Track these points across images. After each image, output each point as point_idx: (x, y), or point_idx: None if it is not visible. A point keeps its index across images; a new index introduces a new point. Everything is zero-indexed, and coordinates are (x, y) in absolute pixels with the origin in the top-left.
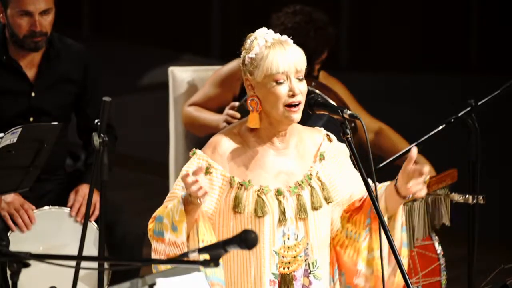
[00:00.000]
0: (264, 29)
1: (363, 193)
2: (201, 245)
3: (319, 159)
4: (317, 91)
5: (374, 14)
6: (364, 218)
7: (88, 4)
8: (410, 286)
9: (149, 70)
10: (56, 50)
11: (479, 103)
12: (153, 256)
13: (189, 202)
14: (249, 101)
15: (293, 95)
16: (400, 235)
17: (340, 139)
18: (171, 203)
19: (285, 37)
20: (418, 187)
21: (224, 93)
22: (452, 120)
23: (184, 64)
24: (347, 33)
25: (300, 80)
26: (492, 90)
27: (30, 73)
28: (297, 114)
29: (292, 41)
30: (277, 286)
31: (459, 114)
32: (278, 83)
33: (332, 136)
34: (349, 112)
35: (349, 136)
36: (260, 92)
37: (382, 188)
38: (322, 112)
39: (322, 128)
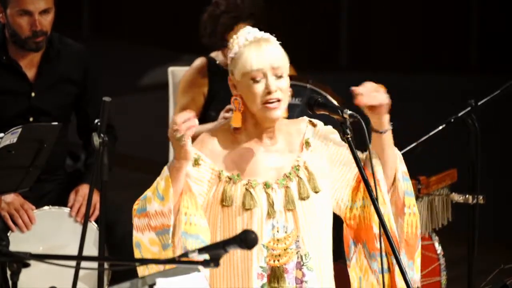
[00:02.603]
0: (248, 27)
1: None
2: (183, 218)
3: (306, 147)
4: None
5: (374, 14)
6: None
7: (88, 4)
8: (410, 286)
9: (149, 70)
10: (56, 50)
11: (479, 103)
12: (135, 233)
13: (174, 164)
14: (232, 100)
15: (269, 93)
16: (403, 185)
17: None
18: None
19: (267, 34)
20: (371, 96)
21: (195, 96)
22: (452, 120)
23: (184, 64)
24: (347, 33)
25: (279, 77)
26: (492, 90)
27: (30, 73)
28: (276, 111)
29: (274, 38)
30: (266, 279)
31: (459, 114)
32: (255, 81)
33: (315, 121)
34: (349, 112)
35: (349, 136)
36: (241, 90)
37: (374, 159)
38: (322, 112)
39: (305, 117)
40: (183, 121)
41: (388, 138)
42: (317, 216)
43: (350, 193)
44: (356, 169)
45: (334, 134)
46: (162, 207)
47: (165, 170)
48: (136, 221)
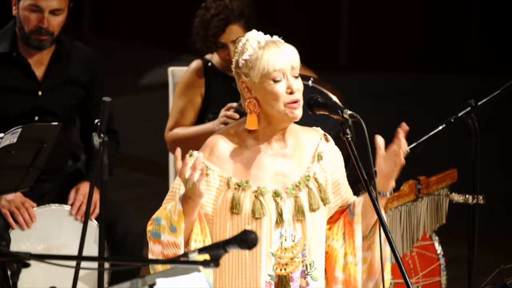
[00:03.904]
0: (254, 31)
1: (350, 202)
2: (193, 244)
3: (317, 160)
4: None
5: (374, 14)
6: (341, 224)
7: (88, 4)
8: (410, 286)
9: (149, 70)
10: (66, 52)
11: (479, 103)
12: (150, 256)
13: (187, 201)
14: (246, 104)
15: (291, 92)
16: (383, 249)
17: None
18: (170, 204)
19: (275, 37)
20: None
21: (193, 97)
22: (452, 120)
23: (184, 64)
24: (347, 33)
25: (296, 77)
26: (492, 90)
27: (39, 72)
28: (298, 111)
29: (283, 40)
30: (273, 287)
31: (459, 114)
32: (275, 81)
33: (328, 136)
34: (349, 112)
35: (349, 136)
36: (258, 93)
37: (358, 208)
38: (322, 112)
39: (319, 128)
40: (192, 168)
41: (385, 200)
42: (323, 226)
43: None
44: (339, 205)
45: (340, 159)
46: (174, 238)
47: (178, 203)
48: (151, 245)
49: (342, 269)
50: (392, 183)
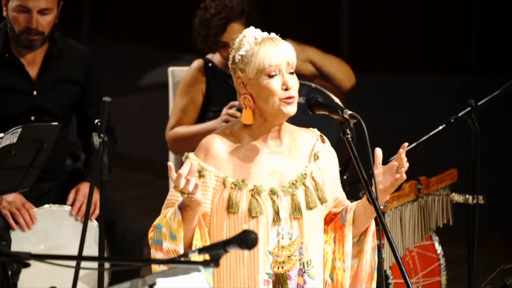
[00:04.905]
0: (251, 28)
1: (343, 204)
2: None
3: (314, 159)
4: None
5: (374, 14)
6: (332, 228)
7: (88, 4)
8: (410, 286)
9: (149, 70)
10: (59, 50)
11: (479, 103)
12: (153, 264)
13: (186, 209)
14: (241, 99)
15: (286, 89)
16: (372, 258)
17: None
18: (170, 212)
19: (273, 34)
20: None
21: (194, 95)
22: (452, 120)
23: (184, 64)
24: (347, 33)
25: (291, 74)
26: (492, 90)
27: (32, 71)
28: (292, 107)
29: (280, 38)
30: (271, 286)
31: (459, 114)
32: (270, 76)
33: (325, 137)
34: (349, 112)
35: (349, 136)
36: (253, 88)
37: (350, 214)
38: (322, 112)
39: (315, 129)
40: (186, 177)
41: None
42: (320, 225)
43: None
44: (332, 205)
45: (335, 160)
46: (175, 246)
47: (177, 212)
48: (153, 251)
49: (330, 273)
50: (387, 197)
